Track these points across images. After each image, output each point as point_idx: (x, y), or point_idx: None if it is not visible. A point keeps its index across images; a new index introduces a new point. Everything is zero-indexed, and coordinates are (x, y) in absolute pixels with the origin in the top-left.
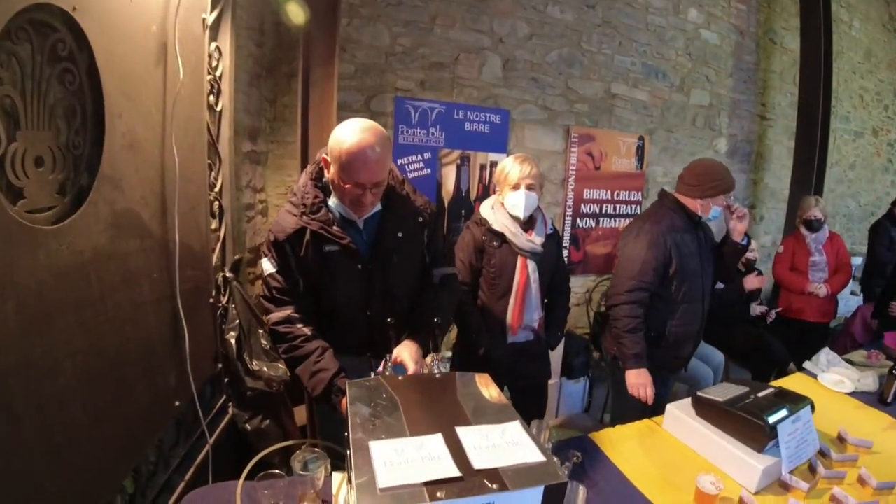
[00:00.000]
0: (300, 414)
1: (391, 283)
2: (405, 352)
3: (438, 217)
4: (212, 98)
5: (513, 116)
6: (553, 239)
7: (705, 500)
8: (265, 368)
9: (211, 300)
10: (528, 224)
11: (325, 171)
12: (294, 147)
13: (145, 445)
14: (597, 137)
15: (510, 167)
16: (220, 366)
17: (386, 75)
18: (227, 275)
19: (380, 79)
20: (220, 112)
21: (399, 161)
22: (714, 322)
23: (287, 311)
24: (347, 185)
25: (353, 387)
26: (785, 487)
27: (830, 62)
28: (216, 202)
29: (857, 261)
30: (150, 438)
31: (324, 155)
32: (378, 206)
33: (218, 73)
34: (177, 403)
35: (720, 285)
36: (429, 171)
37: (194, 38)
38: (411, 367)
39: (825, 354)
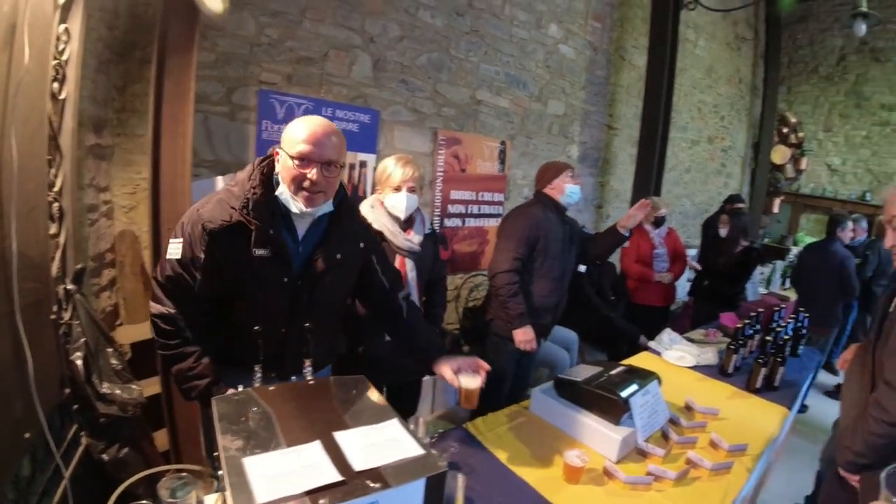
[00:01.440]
0: (161, 438)
1: (316, 304)
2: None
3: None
4: (56, 85)
5: (382, 117)
6: (431, 238)
7: (573, 472)
8: (118, 391)
9: (52, 316)
10: (407, 223)
11: (276, 164)
12: (144, 141)
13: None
14: (463, 141)
15: (392, 169)
16: (67, 391)
17: (250, 67)
18: (69, 287)
19: (243, 70)
20: (64, 101)
21: None
22: (574, 306)
23: (170, 309)
24: (298, 161)
25: (221, 402)
26: (643, 454)
27: (673, 78)
28: (56, 203)
29: (692, 252)
30: (4, 476)
31: (276, 149)
32: (329, 207)
33: (64, 58)
34: (27, 435)
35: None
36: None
37: (43, 20)
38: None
39: (667, 334)
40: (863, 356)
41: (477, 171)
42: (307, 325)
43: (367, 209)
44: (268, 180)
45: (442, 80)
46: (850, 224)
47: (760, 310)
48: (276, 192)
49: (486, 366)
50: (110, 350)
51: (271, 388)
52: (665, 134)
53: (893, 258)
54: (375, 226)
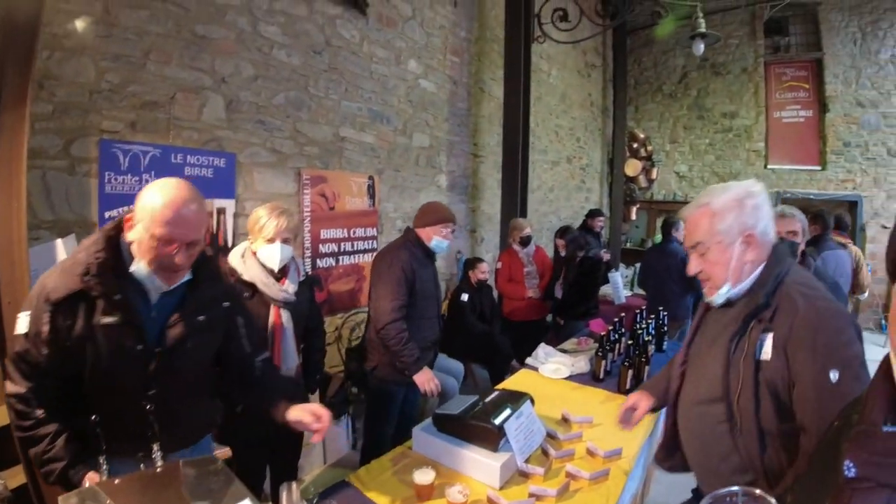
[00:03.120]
0: None
1: (178, 375)
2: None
3: (246, 306)
4: None
5: (239, 160)
6: (306, 284)
7: (423, 491)
8: None
9: None
10: (280, 273)
11: (126, 232)
12: None
13: None
14: (329, 179)
15: (266, 219)
16: None
17: (90, 115)
18: None
19: (83, 119)
20: None
21: (107, 214)
22: (458, 334)
23: (21, 388)
24: (159, 244)
25: (65, 501)
26: (525, 476)
27: (529, 106)
28: None
29: None
30: None
31: (126, 215)
32: (187, 275)
33: None
34: None
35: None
36: None
37: None
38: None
39: (542, 349)
40: (724, 404)
41: (346, 208)
42: (173, 396)
43: (237, 260)
44: (115, 245)
45: (302, 119)
46: (682, 224)
47: (623, 314)
48: (132, 269)
49: (325, 415)
50: None
51: (117, 480)
52: (525, 158)
53: (703, 287)
54: (246, 277)
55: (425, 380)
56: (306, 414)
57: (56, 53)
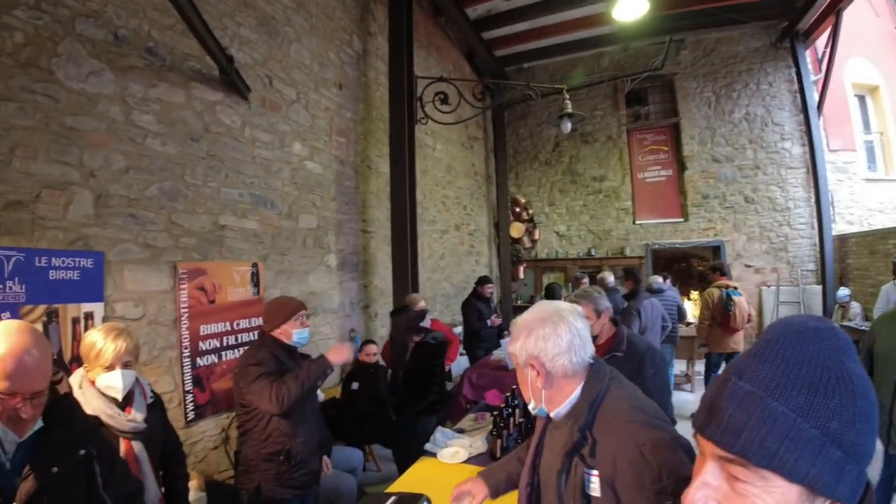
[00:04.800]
0: None
1: None
2: None
3: (110, 446)
4: None
5: (109, 258)
6: (156, 406)
7: None
8: None
9: None
10: (125, 400)
11: None
12: None
13: None
14: (208, 270)
15: (102, 344)
16: None
17: None
18: None
19: None
20: None
21: None
22: (354, 422)
23: None
24: (2, 397)
25: None
26: None
27: (414, 180)
28: None
29: (458, 329)
30: None
31: None
32: (38, 423)
33: None
34: None
35: None
36: None
37: None
38: None
39: (440, 432)
40: None
41: (228, 299)
42: None
43: (75, 391)
44: None
45: (178, 210)
46: (562, 291)
47: (514, 386)
48: None
49: None
50: None
51: None
52: (414, 230)
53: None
54: (88, 410)
55: (339, 354)
56: None
57: None
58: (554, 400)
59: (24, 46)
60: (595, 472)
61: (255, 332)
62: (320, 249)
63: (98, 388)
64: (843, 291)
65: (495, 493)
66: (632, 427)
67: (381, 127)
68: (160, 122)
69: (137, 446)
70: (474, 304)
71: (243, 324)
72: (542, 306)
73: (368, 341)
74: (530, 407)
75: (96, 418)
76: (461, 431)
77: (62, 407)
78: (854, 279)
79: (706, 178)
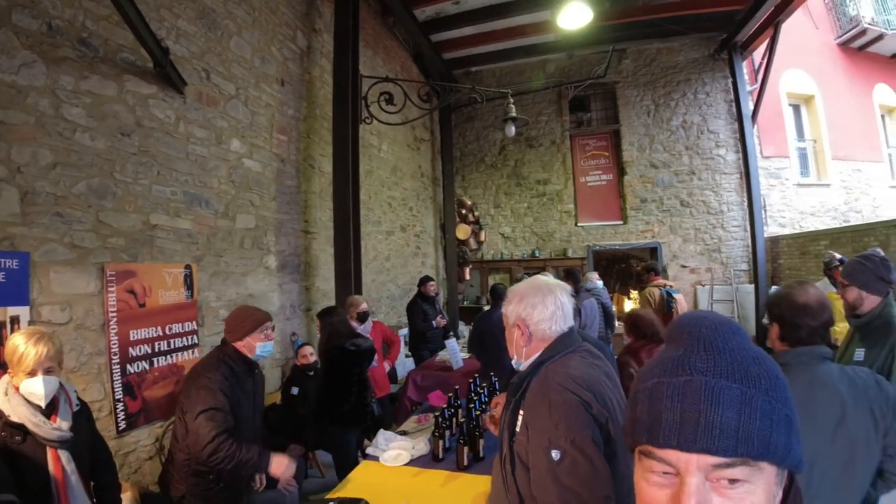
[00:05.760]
0: None
1: None
2: None
3: None
4: None
5: (34, 259)
6: (83, 414)
7: None
8: None
9: None
10: (49, 408)
11: None
12: None
13: None
14: (138, 272)
15: (24, 348)
16: None
17: None
18: None
19: None
20: None
21: None
22: (290, 426)
23: None
24: None
25: None
26: None
27: (358, 180)
28: None
29: (405, 331)
30: None
31: None
32: None
33: None
34: None
35: None
36: None
37: None
38: None
39: (381, 435)
40: (500, 468)
41: (160, 302)
42: None
43: (0, 398)
44: None
45: (106, 208)
46: (505, 291)
47: (457, 387)
48: None
49: None
50: None
51: None
52: (357, 231)
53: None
54: (14, 418)
55: (281, 468)
56: None
57: None
58: (528, 356)
59: None
60: (522, 412)
61: (190, 337)
62: (259, 250)
63: (22, 395)
64: (775, 290)
65: None
66: (554, 384)
67: (325, 126)
68: (90, 115)
69: (64, 455)
70: (419, 305)
71: (176, 328)
72: (537, 279)
73: (304, 344)
74: (514, 360)
75: (23, 426)
76: (404, 433)
77: None
78: (785, 278)
79: (644, 183)
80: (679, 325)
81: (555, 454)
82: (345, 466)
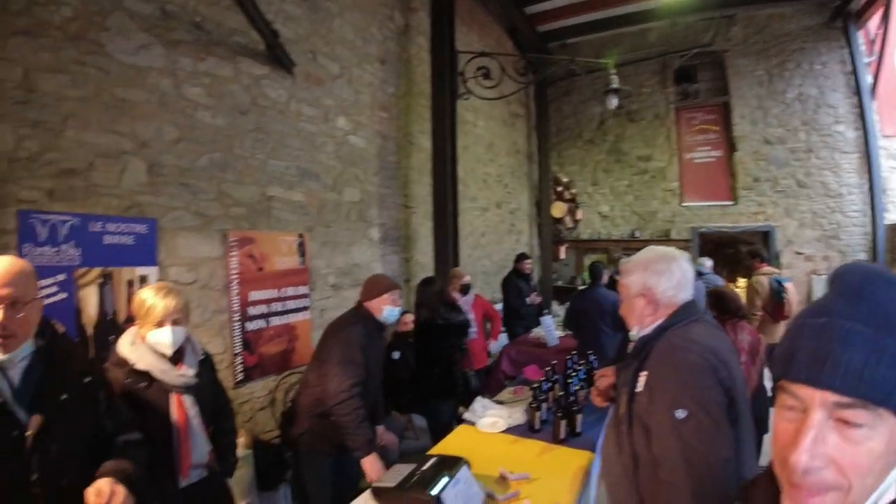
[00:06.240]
0: None
1: (56, 457)
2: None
3: (106, 377)
4: None
5: (161, 225)
6: (206, 364)
7: None
8: None
9: None
10: (176, 356)
11: None
12: None
13: None
14: (256, 239)
15: (152, 301)
16: None
17: (8, 185)
18: None
19: (0, 190)
20: None
21: None
22: (391, 392)
23: None
24: None
25: None
26: None
27: (456, 156)
28: None
29: (499, 306)
30: None
31: None
32: (30, 346)
33: None
34: None
35: None
36: (64, 295)
37: None
38: (104, 490)
39: (479, 402)
40: (615, 429)
41: (276, 267)
42: (56, 480)
43: (126, 348)
44: None
45: (228, 180)
46: (604, 270)
47: (554, 362)
48: None
49: (104, 492)
50: None
51: None
52: (455, 206)
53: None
54: (140, 366)
55: (373, 469)
56: (90, 491)
57: None
58: (642, 323)
59: (73, 20)
60: (644, 373)
61: (302, 300)
62: (363, 223)
63: (149, 345)
64: None
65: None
66: (681, 347)
67: (423, 102)
68: (209, 94)
69: (188, 400)
70: (514, 282)
71: (289, 291)
72: (656, 248)
73: (406, 311)
74: (633, 332)
75: (149, 374)
76: (500, 403)
77: (63, 341)
78: None
79: (757, 160)
80: (837, 272)
81: (679, 414)
82: (438, 432)
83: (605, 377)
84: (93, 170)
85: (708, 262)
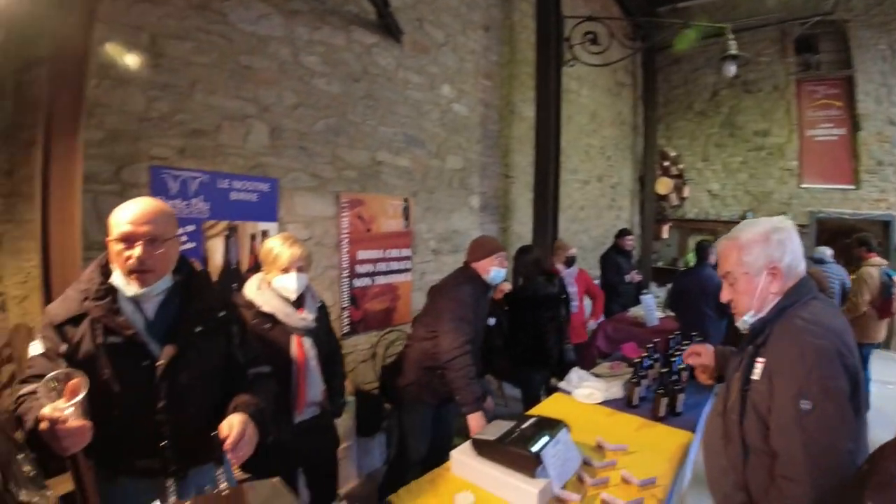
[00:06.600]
0: None
1: (184, 386)
2: (233, 420)
3: (239, 312)
4: None
5: (282, 184)
6: (322, 311)
7: None
8: (35, 499)
9: None
10: (298, 301)
11: (109, 255)
12: (33, 227)
13: None
14: (366, 201)
15: (279, 249)
16: None
17: (139, 143)
18: None
19: (133, 146)
20: None
21: None
22: (489, 355)
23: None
24: (119, 245)
25: None
26: (560, 502)
27: (559, 127)
28: None
29: (595, 283)
30: None
31: (107, 239)
32: (167, 282)
33: None
34: None
35: None
36: (193, 244)
37: None
38: (235, 429)
39: (575, 373)
40: (723, 418)
41: (382, 229)
42: (183, 408)
43: (253, 291)
44: (108, 272)
45: (341, 145)
46: (712, 250)
47: (656, 339)
48: (112, 280)
49: (235, 427)
50: (21, 456)
51: (188, 503)
52: (557, 178)
53: (733, 313)
54: (266, 308)
55: (478, 425)
56: (224, 424)
57: (104, 82)
58: (762, 306)
59: None
60: (762, 359)
61: (404, 262)
62: (464, 190)
63: (275, 289)
64: None
65: (719, 366)
66: (804, 329)
67: (526, 70)
68: (324, 62)
69: (307, 342)
70: (614, 258)
71: (393, 253)
72: (759, 220)
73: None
74: (746, 318)
75: (273, 316)
76: (597, 377)
77: (200, 278)
78: None
79: (881, 142)
80: None
81: (805, 404)
82: (528, 401)
83: (698, 355)
84: (220, 131)
85: (828, 251)
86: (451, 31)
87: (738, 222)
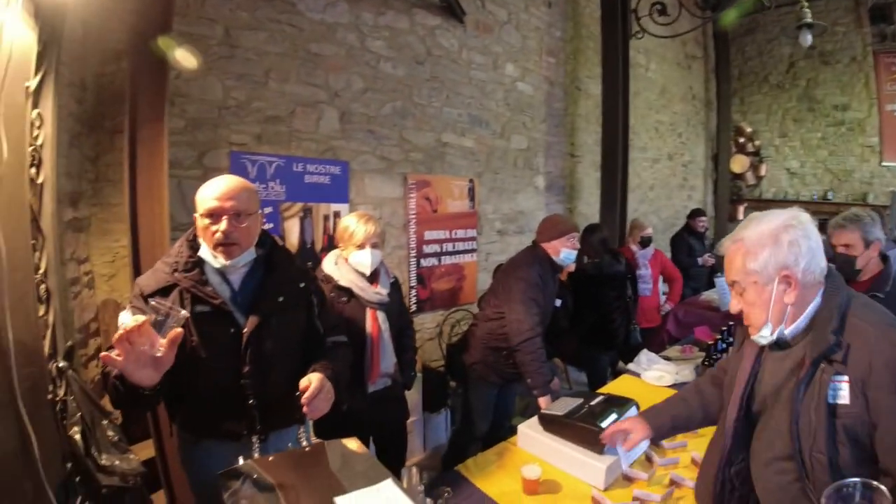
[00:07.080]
0: (160, 500)
1: (268, 353)
2: (311, 376)
3: (319, 284)
4: (33, 171)
5: (352, 167)
6: (395, 287)
7: (530, 485)
8: (117, 462)
9: (49, 395)
10: (372, 277)
11: (197, 230)
12: (120, 209)
13: None
14: (432, 183)
15: (354, 226)
16: (69, 465)
17: (219, 130)
18: (61, 364)
19: (213, 133)
20: (42, 184)
21: None
22: (550, 338)
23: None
24: (206, 220)
25: (224, 477)
26: (629, 479)
27: (627, 103)
28: (42, 285)
29: None
30: None
31: (195, 215)
32: (251, 254)
33: (39, 143)
34: None
35: None
36: (271, 225)
37: (17, 110)
38: (314, 384)
39: (644, 355)
40: (795, 462)
41: (448, 210)
42: (267, 373)
43: (331, 266)
44: (195, 246)
45: (407, 127)
46: None
47: (731, 322)
48: (200, 253)
49: (313, 384)
50: (105, 422)
51: (270, 458)
52: (625, 156)
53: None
54: (342, 282)
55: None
56: (303, 380)
57: (183, 73)
58: (781, 318)
59: None
60: (845, 378)
61: (470, 243)
62: (529, 170)
63: (350, 265)
64: None
65: (658, 434)
66: (885, 328)
67: (591, 46)
68: (390, 47)
69: (381, 316)
70: (685, 239)
71: (459, 234)
72: (770, 213)
73: None
74: (763, 333)
75: (349, 290)
76: (668, 359)
77: (282, 251)
78: None
79: None
80: None
81: None
82: (594, 385)
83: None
84: (293, 117)
85: None
86: (513, 8)
87: (818, 203)
